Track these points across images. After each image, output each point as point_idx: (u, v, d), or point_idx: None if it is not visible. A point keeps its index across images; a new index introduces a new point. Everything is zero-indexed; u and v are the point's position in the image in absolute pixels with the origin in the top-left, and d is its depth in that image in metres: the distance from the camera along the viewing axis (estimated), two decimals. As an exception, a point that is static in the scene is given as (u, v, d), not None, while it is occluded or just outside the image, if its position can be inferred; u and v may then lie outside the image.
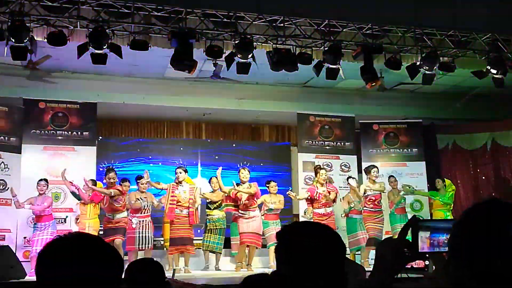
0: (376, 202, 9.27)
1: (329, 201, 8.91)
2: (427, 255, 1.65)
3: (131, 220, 8.41)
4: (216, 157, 11.49)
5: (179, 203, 8.56)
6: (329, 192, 8.89)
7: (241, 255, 8.65)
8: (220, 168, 8.89)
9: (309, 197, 8.99)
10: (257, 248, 8.88)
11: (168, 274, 5.69)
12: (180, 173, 8.67)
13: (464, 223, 1.24)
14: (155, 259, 8.98)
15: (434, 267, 1.75)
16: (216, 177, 8.89)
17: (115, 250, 1.38)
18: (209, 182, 9.32)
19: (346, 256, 1.66)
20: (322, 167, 9.40)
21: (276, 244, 1.62)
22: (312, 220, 8.30)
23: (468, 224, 1.22)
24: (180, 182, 8.66)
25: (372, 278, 1.70)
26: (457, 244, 1.24)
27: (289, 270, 1.54)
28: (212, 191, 9.17)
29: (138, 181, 8.67)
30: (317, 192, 8.88)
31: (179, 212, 8.54)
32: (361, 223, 9.12)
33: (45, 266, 1.29)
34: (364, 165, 10.35)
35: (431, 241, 1.58)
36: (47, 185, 8.51)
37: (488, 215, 1.21)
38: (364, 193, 9.25)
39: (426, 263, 1.74)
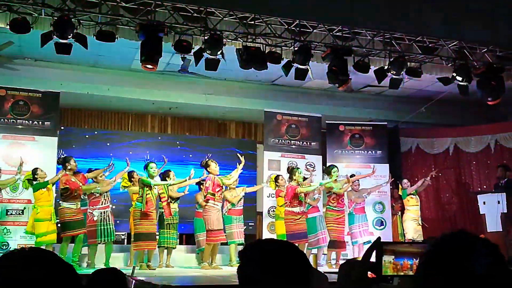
0: (340, 200, 9.21)
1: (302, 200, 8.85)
2: (389, 278, 1.63)
3: (92, 213, 8.23)
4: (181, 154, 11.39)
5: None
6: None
7: (207, 253, 8.46)
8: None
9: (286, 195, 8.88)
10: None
11: (128, 271, 5.62)
12: (152, 168, 8.30)
13: (430, 257, 1.21)
14: (116, 253, 8.85)
15: (399, 280, 1.73)
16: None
17: (70, 267, 1.32)
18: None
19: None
20: (298, 167, 9.32)
21: (239, 264, 1.57)
22: (276, 237, 8.11)
23: (434, 259, 1.20)
24: (153, 177, 8.37)
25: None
26: (422, 276, 1.21)
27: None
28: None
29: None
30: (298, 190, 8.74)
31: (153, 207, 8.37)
32: (321, 221, 9.10)
33: None
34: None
35: (395, 265, 1.56)
36: None
37: (454, 249, 1.19)
38: (328, 193, 9.26)
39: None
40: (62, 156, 8.52)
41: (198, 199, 9.24)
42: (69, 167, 8.11)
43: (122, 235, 9.83)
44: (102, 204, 8.31)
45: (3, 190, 8.53)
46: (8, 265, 1.23)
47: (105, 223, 8.23)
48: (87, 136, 11.02)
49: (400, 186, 10.26)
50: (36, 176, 8.21)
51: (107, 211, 8.33)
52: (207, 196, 8.42)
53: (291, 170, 9.06)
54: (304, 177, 9.52)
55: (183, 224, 9.43)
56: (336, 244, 9.09)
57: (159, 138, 11.58)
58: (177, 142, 11.58)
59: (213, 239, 8.34)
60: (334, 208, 9.17)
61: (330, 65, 8.23)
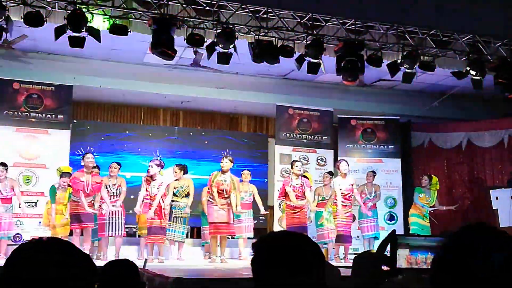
0: (347, 196, 9.18)
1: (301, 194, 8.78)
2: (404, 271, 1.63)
3: (101, 206, 8.28)
4: (193, 146, 11.42)
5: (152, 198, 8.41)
6: (302, 186, 8.77)
7: (213, 247, 8.50)
8: None
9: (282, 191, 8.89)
10: (228, 238, 8.73)
11: (140, 263, 5.64)
12: (151, 167, 8.39)
13: (449, 250, 1.20)
14: (126, 246, 8.91)
15: (402, 275, 1.71)
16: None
17: (87, 257, 1.34)
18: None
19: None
20: (298, 160, 9.36)
21: (252, 256, 1.57)
22: (286, 230, 8.04)
23: (454, 252, 1.18)
24: (151, 177, 8.43)
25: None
26: (440, 270, 1.20)
27: (267, 281, 1.50)
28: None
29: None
30: (291, 184, 8.78)
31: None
32: (329, 217, 9.14)
33: (14, 269, 1.23)
34: (340, 160, 10.37)
35: (409, 258, 1.56)
36: (5, 170, 8.20)
37: (475, 243, 1.17)
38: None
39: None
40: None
41: (203, 196, 9.25)
42: (82, 163, 8.19)
43: (134, 227, 9.87)
44: (110, 199, 8.34)
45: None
46: (27, 253, 1.25)
47: (113, 217, 8.26)
48: (99, 129, 11.04)
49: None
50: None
51: (116, 205, 8.36)
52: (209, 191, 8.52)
53: (291, 162, 9.07)
54: (330, 171, 9.54)
55: (192, 218, 9.44)
56: (342, 238, 9.05)
57: (172, 132, 11.57)
58: (189, 136, 11.57)
59: (213, 232, 8.38)
60: (341, 204, 9.12)
61: (342, 59, 8.18)
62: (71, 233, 8.24)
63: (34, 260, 1.23)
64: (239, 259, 8.79)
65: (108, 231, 8.25)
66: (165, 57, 7.46)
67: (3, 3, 6.84)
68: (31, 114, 9.35)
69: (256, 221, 9.52)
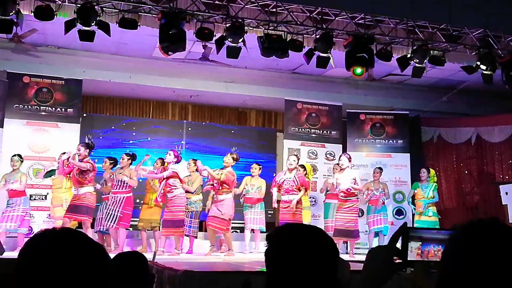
0: (346, 190, 8.74)
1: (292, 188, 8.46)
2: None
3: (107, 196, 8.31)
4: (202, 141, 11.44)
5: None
6: (294, 180, 8.48)
7: (210, 239, 8.62)
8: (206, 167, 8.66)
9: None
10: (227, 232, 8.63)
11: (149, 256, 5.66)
12: (169, 154, 8.45)
13: (458, 246, 1.18)
14: (136, 239, 8.83)
15: (411, 269, 1.72)
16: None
17: (101, 247, 1.35)
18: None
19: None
20: (293, 154, 9.10)
21: (267, 247, 1.58)
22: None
23: (464, 247, 1.17)
24: (166, 165, 8.49)
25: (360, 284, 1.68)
26: (449, 265, 1.19)
27: (280, 274, 1.51)
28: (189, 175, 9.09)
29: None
30: (281, 178, 8.63)
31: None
32: (334, 210, 9.12)
33: (27, 262, 1.25)
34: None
35: (421, 251, 1.56)
36: (20, 161, 8.32)
37: (483, 238, 1.16)
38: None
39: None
40: None
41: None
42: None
43: (137, 220, 9.89)
44: (114, 189, 8.25)
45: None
46: (42, 242, 1.26)
47: (110, 208, 8.15)
48: (108, 123, 11.08)
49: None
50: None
51: (118, 196, 8.20)
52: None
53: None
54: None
55: (203, 212, 9.46)
56: (346, 233, 8.77)
57: (181, 126, 11.58)
58: (197, 130, 11.58)
59: (208, 224, 8.55)
60: (342, 198, 8.82)
61: (351, 53, 8.16)
62: (79, 226, 8.24)
63: (44, 251, 1.25)
64: (256, 252, 8.77)
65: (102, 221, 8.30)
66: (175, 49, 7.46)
67: (14, -3, 6.87)
68: (41, 107, 9.40)
69: (269, 215, 9.52)
